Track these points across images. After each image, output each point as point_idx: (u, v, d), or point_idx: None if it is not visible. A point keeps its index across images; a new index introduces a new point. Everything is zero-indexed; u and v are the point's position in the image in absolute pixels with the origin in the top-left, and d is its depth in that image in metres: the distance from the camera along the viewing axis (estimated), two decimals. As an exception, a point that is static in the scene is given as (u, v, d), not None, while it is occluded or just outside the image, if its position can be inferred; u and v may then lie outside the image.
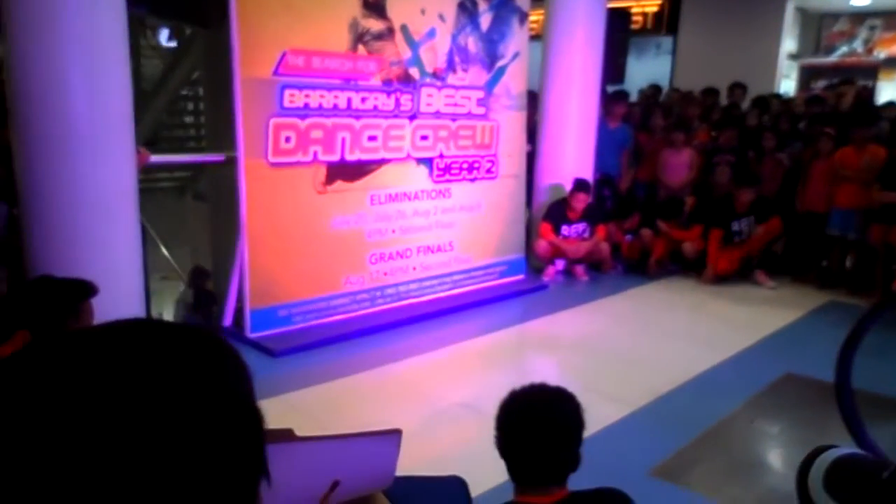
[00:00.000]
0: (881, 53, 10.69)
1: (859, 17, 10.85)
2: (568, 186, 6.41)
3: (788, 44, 10.55)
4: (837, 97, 7.75)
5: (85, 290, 2.19)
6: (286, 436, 1.08)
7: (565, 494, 1.54)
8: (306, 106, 4.66)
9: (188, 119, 7.69)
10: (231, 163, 4.53)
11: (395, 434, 1.06)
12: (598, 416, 3.73)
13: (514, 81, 6.04)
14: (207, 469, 0.50)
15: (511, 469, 1.57)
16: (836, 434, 3.26)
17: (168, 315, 5.50)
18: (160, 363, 0.51)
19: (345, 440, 1.02)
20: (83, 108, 3.59)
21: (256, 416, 0.56)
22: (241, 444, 0.53)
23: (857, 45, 10.95)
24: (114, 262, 3.79)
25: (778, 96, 8.52)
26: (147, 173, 4.53)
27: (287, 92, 4.55)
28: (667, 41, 11.15)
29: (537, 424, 1.56)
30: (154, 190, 6.68)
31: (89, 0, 3.52)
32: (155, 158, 4.42)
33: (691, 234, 6.67)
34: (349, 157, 4.95)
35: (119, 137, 3.76)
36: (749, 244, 6.53)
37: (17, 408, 0.48)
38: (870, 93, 8.73)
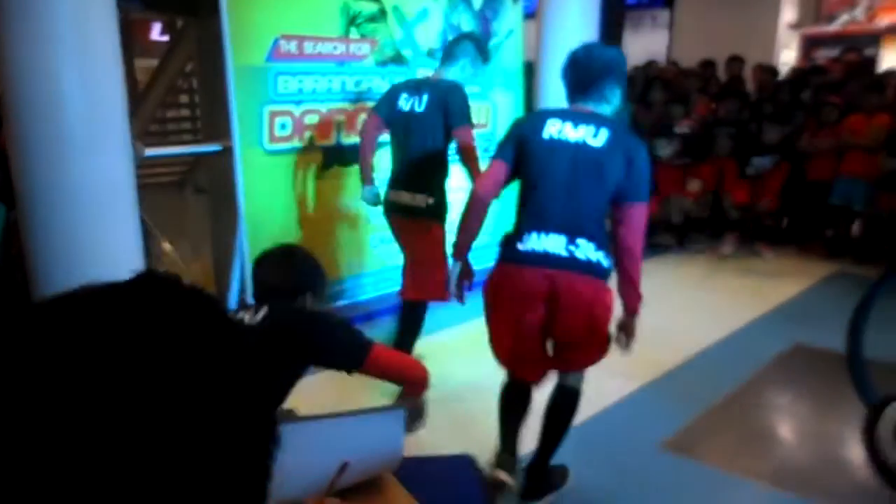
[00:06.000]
0: (883, 21, 10.56)
1: (860, -17, 10.72)
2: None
3: (788, 13, 10.43)
4: (843, 66, 7.66)
5: None
6: (288, 417, 1.05)
7: None
8: (300, 91, 4.60)
9: (184, 111, 7.63)
10: (228, 153, 4.49)
11: (399, 410, 1.03)
12: (606, 392, 3.74)
13: (509, 60, 5.96)
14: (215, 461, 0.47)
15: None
16: (848, 404, 3.24)
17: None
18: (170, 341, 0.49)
19: (347, 418, 0.99)
20: (78, 106, 3.53)
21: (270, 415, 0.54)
22: (250, 434, 0.51)
23: (859, 13, 10.80)
24: (115, 258, 3.76)
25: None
26: (146, 168, 4.48)
27: (281, 78, 4.49)
28: (663, 14, 11.03)
29: None
30: (154, 185, 6.64)
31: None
32: (149, 152, 4.39)
33: (703, 172, 6.55)
34: (345, 141, 4.90)
35: (115, 134, 3.71)
36: (762, 185, 6.39)
37: (16, 383, 0.44)
38: (870, 61, 8.60)
